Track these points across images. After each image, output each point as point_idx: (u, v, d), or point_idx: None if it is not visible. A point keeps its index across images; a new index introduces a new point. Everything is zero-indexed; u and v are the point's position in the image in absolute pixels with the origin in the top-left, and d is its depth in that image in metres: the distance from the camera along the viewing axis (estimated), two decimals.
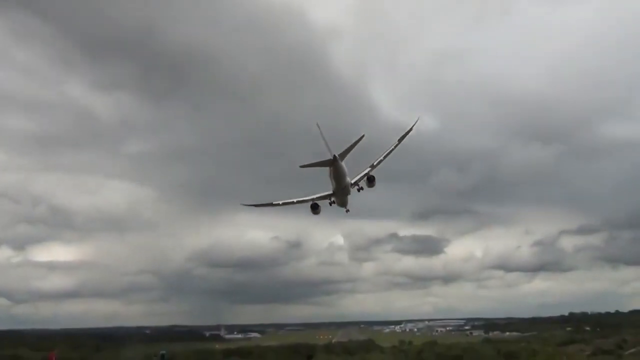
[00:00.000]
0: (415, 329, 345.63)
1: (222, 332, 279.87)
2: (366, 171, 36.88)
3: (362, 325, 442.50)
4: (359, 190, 38.01)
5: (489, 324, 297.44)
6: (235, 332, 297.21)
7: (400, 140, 39.67)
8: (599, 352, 61.97)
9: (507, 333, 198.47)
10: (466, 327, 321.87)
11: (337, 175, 33.92)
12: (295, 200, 39.25)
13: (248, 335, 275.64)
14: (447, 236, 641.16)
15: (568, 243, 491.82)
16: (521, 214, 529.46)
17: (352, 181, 37.54)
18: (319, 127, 34.29)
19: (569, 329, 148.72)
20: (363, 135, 34.59)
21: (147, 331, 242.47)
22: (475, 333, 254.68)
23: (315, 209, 38.76)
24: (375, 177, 36.67)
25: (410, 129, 38.95)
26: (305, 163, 37.07)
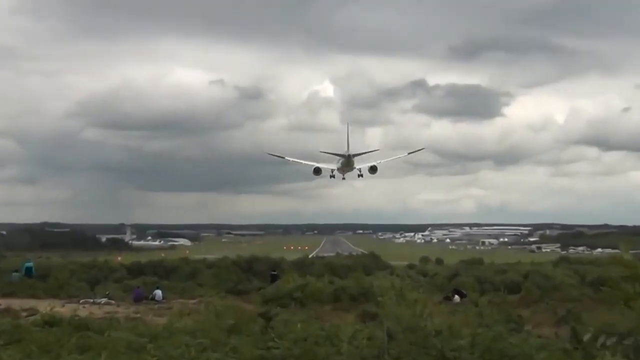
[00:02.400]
0: (448, 240, 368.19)
1: (128, 237, 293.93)
2: (371, 164, 64.87)
3: (360, 231, 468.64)
4: (359, 176, 65.82)
5: (570, 236, 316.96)
6: (150, 237, 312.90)
7: (409, 153, 74.10)
8: None
9: (599, 250, 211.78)
10: (532, 239, 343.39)
11: (347, 164, 63.31)
12: (303, 161, 69.25)
13: (171, 242, 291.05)
14: (507, 88, 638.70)
15: None
16: (633, 53, 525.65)
17: (356, 167, 64.82)
18: (347, 126, 67.34)
19: None
20: (378, 149, 69.15)
21: (3, 231, 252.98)
22: (546, 249, 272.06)
23: (317, 172, 66.25)
24: (378, 168, 64.89)
25: (418, 150, 77.68)
26: None
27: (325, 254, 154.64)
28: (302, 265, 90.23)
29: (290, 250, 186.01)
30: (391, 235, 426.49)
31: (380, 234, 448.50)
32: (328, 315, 37.25)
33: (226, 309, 35.50)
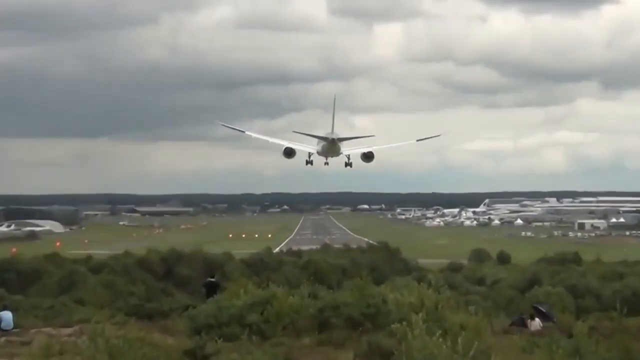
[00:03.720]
0: (519, 220, 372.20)
1: None
2: (365, 150, 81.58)
3: (364, 207, 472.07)
4: (347, 165, 79.77)
5: None
6: (5, 224, 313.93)
7: (418, 140, 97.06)
8: None
9: None
10: None
11: (331, 150, 79.42)
12: (270, 139, 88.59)
13: (30, 227, 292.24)
14: None
15: None
16: None
17: (345, 153, 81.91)
18: (334, 101, 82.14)
19: None
20: (373, 135, 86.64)
21: None
22: None
23: (289, 154, 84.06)
24: (374, 155, 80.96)
25: (432, 137, 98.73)
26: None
27: (304, 247, 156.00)
28: (262, 267, 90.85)
29: (242, 240, 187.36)
30: (419, 214, 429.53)
31: (399, 210, 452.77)
32: (308, 355, 37.35)
33: (128, 344, 35.39)
